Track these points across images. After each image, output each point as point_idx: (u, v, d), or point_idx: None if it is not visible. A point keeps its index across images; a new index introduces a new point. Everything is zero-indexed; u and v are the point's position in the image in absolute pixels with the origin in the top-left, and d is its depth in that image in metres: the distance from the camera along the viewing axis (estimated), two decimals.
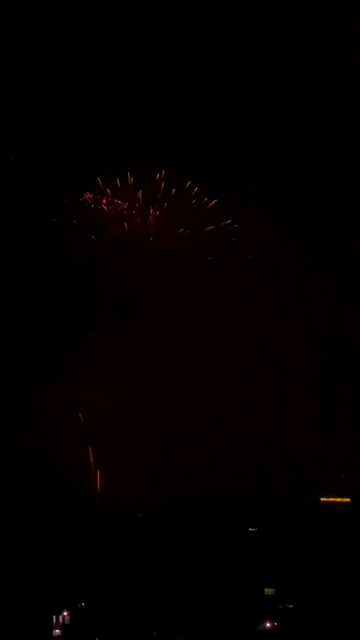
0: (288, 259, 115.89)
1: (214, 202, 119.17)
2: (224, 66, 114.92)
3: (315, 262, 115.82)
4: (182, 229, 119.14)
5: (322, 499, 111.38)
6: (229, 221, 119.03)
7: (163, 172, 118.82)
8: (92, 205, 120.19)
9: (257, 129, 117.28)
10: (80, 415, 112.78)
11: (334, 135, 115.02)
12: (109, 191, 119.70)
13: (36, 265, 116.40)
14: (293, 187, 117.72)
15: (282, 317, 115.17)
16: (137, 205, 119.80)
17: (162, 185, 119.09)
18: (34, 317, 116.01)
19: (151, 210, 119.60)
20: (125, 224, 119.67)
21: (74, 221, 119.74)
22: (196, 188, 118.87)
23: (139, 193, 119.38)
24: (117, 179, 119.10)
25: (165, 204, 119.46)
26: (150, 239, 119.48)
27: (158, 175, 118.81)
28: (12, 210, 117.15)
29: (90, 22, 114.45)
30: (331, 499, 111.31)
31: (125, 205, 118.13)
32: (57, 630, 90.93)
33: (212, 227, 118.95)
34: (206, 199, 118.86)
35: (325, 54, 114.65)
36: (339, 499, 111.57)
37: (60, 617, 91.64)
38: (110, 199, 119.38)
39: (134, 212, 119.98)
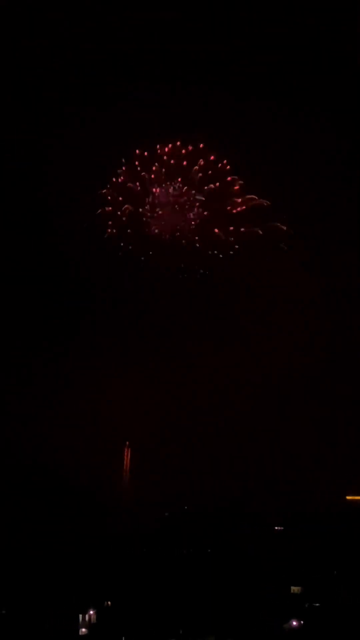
0: (290, 260, 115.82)
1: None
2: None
3: (316, 263, 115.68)
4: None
5: (348, 497, 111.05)
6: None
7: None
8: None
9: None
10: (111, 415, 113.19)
11: (334, 136, 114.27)
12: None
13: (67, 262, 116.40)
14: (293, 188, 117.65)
15: (289, 321, 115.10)
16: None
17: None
18: (62, 319, 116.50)
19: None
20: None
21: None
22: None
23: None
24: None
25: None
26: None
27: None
28: (17, 207, 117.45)
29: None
30: (357, 497, 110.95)
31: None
32: (84, 629, 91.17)
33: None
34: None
35: (325, 54, 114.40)
36: None
37: (87, 616, 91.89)
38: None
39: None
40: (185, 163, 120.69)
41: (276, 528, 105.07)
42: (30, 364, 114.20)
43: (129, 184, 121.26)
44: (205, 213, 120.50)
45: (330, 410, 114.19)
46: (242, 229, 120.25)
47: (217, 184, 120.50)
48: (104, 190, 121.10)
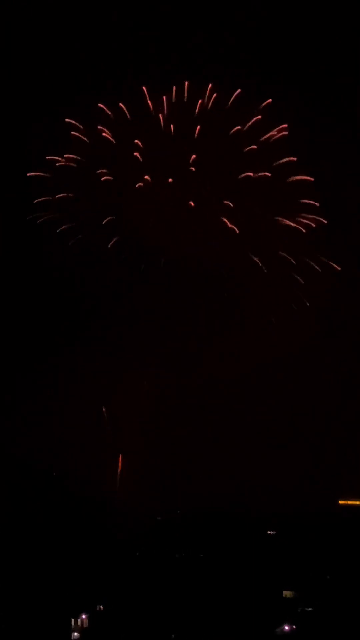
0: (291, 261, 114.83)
1: None
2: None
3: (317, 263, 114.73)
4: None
5: (340, 502, 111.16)
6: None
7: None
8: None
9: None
10: (104, 417, 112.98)
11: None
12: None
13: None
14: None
15: (285, 320, 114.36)
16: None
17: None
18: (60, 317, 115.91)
19: None
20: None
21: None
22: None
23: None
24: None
25: None
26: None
27: None
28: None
29: None
30: (349, 502, 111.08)
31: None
32: (76, 634, 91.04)
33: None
34: None
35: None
36: (357, 502, 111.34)
37: (79, 620, 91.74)
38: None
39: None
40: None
41: (269, 532, 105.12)
42: (26, 369, 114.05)
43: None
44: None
45: (324, 415, 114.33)
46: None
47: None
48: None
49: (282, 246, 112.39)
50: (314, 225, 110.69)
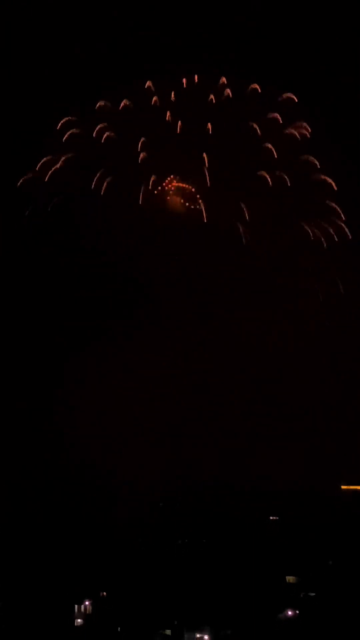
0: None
1: None
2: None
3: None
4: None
5: (342, 487, 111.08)
6: None
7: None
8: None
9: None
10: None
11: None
12: None
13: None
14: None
15: (286, 308, 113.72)
16: None
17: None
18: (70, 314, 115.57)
19: None
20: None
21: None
22: None
23: None
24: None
25: None
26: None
27: None
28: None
29: None
30: (352, 487, 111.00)
31: None
32: (79, 620, 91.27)
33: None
34: None
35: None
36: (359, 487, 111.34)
37: (82, 607, 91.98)
38: None
39: None
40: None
41: (271, 518, 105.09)
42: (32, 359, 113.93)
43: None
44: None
45: (326, 400, 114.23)
46: None
47: None
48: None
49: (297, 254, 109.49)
50: (334, 235, 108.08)
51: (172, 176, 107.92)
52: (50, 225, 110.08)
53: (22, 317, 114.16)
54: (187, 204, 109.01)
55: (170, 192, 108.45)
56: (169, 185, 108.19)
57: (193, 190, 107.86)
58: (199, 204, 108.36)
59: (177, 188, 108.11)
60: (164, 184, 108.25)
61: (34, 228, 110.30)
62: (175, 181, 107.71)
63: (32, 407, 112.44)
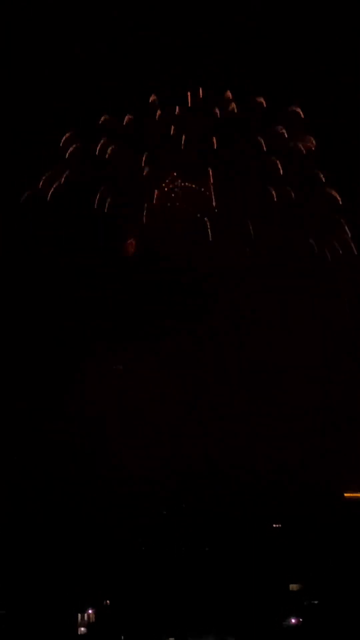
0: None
1: None
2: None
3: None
4: None
5: (345, 495, 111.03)
6: None
7: None
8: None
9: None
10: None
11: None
12: None
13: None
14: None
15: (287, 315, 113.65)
16: None
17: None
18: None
19: None
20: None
21: None
22: None
23: None
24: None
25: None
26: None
27: None
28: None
29: None
30: (355, 494, 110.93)
31: None
32: (83, 628, 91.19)
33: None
34: None
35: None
36: None
37: (86, 615, 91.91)
38: None
39: None
40: None
41: (274, 525, 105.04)
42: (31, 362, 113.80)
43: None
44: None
45: (329, 406, 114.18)
46: None
47: None
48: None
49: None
50: (339, 250, 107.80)
51: (177, 190, 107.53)
52: (51, 241, 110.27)
53: (21, 324, 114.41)
54: (192, 218, 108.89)
55: (175, 207, 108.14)
56: (173, 199, 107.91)
57: (197, 206, 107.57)
58: (205, 222, 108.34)
59: (181, 203, 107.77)
60: (168, 201, 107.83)
61: (36, 241, 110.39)
62: (179, 196, 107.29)
63: (31, 408, 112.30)
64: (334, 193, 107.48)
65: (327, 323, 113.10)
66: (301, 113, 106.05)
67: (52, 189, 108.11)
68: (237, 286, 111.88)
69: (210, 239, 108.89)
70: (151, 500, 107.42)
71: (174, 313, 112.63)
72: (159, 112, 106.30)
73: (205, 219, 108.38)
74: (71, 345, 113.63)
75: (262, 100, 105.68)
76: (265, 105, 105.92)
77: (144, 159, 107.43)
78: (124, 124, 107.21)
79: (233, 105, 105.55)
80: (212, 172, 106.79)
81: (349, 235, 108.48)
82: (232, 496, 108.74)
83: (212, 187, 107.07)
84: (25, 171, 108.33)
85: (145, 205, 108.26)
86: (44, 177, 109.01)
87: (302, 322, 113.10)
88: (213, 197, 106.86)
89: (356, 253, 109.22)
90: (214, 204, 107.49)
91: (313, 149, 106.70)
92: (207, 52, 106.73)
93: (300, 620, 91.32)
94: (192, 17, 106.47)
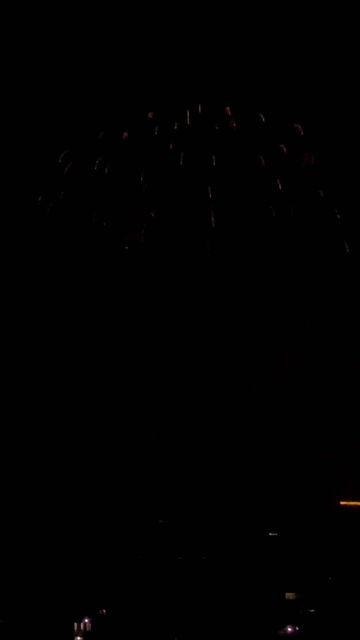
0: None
1: None
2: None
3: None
4: None
5: (341, 503, 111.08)
6: None
7: None
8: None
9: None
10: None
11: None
12: None
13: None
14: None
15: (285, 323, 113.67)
16: None
17: None
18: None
19: None
20: None
21: None
22: None
23: None
24: None
25: None
26: None
27: None
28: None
29: None
30: (351, 503, 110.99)
31: None
32: (79, 638, 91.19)
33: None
34: None
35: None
36: (359, 503, 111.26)
37: (82, 624, 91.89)
38: None
39: None
40: None
41: (270, 534, 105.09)
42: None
43: None
44: None
45: (325, 414, 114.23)
46: None
47: None
48: None
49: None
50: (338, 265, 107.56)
51: (175, 207, 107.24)
52: (48, 257, 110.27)
53: (20, 330, 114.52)
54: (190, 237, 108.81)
55: (173, 224, 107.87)
56: (172, 216, 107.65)
57: (196, 223, 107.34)
58: (204, 242, 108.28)
59: (180, 220, 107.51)
60: (166, 218, 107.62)
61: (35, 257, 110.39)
62: (178, 213, 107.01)
63: (27, 413, 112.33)
64: (334, 209, 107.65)
65: (324, 337, 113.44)
66: (301, 130, 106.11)
67: (50, 206, 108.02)
68: (236, 302, 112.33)
69: (209, 255, 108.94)
70: (148, 508, 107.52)
71: (172, 330, 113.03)
72: (157, 128, 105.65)
73: (204, 235, 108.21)
74: (67, 358, 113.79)
75: (262, 116, 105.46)
76: (264, 121, 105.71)
77: (142, 175, 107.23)
78: (123, 140, 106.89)
79: (232, 121, 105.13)
80: (210, 189, 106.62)
81: (348, 251, 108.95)
82: (228, 505, 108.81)
83: (211, 204, 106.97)
84: (22, 188, 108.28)
85: (144, 222, 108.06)
86: (41, 195, 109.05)
87: (299, 335, 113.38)
88: (212, 213, 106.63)
89: (355, 268, 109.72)
90: (212, 220, 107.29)
91: (313, 164, 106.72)
92: (206, 68, 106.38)
93: (297, 628, 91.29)
94: (190, 33, 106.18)
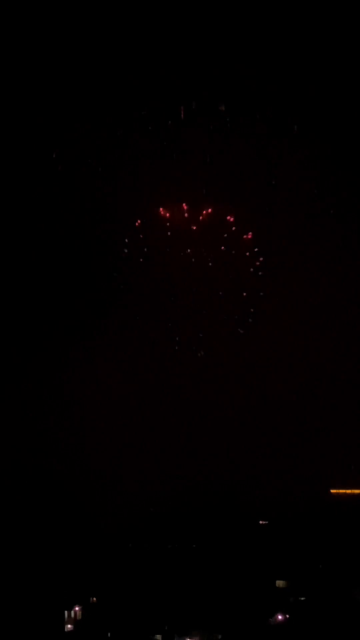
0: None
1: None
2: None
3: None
4: None
5: (332, 491, 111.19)
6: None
7: None
8: None
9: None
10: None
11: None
12: None
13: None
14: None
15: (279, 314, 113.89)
16: None
17: None
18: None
19: None
20: None
21: None
22: None
23: None
24: None
25: None
26: None
27: None
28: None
29: None
30: (342, 491, 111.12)
31: None
32: (69, 625, 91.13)
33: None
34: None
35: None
36: (349, 491, 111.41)
37: (72, 612, 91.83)
38: None
39: None
40: None
41: (261, 522, 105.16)
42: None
43: None
44: None
45: (315, 402, 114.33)
46: None
47: None
48: None
49: None
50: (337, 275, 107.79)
51: (170, 206, 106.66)
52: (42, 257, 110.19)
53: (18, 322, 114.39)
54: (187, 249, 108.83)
55: (168, 223, 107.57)
56: (167, 214, 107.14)
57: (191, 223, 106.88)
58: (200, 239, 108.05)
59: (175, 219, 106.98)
60: (161, 216, 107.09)
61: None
62: (173, 212, 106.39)
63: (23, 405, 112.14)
64: (333, 218, 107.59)
65: (323, 342, 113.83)
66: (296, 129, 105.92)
67: (45, 205, 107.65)
68: (234, 307, 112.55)
69: (206, 257, 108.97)
70: (138, 497, 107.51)
71: (171, 330, 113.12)
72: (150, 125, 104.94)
73: (200, 236, 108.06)
74: (62, 353, 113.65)
75: (258, 117, 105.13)
76: (260, 119, 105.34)
77: (136, 173, 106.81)
78: (116, 137, 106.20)
79: (227, 119, 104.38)
80: (205, 187, 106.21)
81: (348, 261, 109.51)
82: (219, 493, 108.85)
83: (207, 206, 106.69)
84: (15, 187, 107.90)
85: (139, 221, 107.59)
86: (35, 193, 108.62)
87: (298, 339, 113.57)
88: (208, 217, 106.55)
89: (354, 279, 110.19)
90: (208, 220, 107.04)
91: (310, 170, 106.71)
92: (200, 65, 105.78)
93: (287, 616, 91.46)
94: (184, 31, 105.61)
